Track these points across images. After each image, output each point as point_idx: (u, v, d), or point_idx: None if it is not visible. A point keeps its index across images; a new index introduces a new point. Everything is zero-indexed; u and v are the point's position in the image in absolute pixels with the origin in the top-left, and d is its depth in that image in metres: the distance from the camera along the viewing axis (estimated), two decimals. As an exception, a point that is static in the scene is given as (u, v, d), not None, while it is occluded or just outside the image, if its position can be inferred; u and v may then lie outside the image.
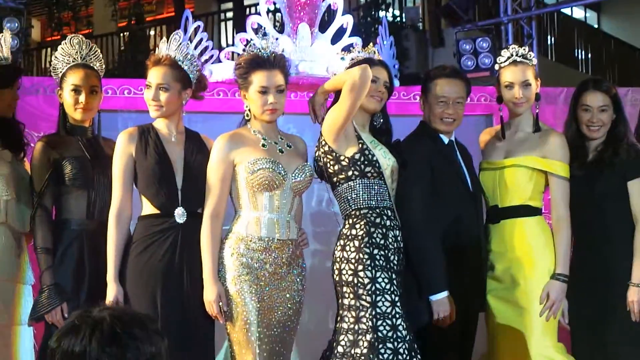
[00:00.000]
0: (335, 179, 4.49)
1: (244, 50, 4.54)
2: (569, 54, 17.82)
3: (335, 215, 4.63)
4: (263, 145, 4.44)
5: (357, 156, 4.43)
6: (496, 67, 4.95)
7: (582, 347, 4.73)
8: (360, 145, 4.46)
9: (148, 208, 4.42)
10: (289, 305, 4.38)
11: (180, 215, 4.38)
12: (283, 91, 4.44)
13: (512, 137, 4.89)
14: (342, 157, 4.44)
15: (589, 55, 18.18)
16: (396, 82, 5.37)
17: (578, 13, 19.72)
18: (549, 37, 17.27)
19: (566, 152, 4.73)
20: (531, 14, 11.18)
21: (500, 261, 4.75)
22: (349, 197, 4.45)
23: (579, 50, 18.22)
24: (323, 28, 6.40)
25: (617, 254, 4.69)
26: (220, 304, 4.26)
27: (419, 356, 4.29)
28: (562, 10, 17.35)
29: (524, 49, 4.86)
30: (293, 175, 4.43)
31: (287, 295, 4.38)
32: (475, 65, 9.49)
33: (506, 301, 4.70)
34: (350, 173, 4.43)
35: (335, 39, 6.33)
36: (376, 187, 4.44)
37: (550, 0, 17.38)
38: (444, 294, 4.51)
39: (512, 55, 4.82)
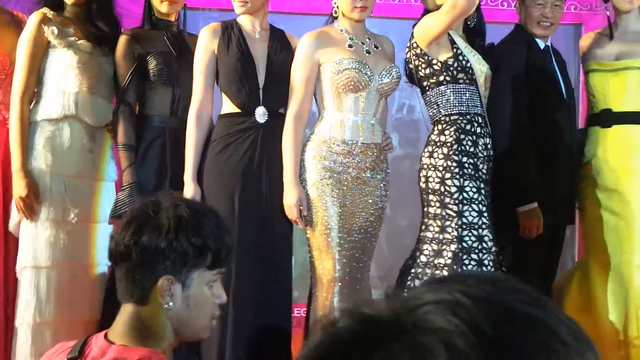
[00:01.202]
0: (425, 83, 4.34)
1: None
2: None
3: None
4: (350, 46, 4.30)
5: (450, 61, 4.29)
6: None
7: None
8: (454, 50, 4.31)
9: (228, 106, 4.32)
10: (371, 211, 4.28)
11: (261, 114, 4.27)
12: None
13: (622, 38, 4.62)
14: (434, 61, 4.29)
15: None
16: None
17: None
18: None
19: None
20: None
21: (604, 169, 4.52)
22: (439, 102, 4.31)
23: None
24: None
25: None
26: (301, 208, 4.18)
27: (504, 269, 4.17)
28: None
29: None
30: (380, 76, 4.29)
31: (370, 201, 4.28)
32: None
33: (608, 210, 4.49)
34: (442, 78, 4.29)
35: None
36: (468, 93, 4.29)
37: None
38: (534, 204, 4.36)
39: None
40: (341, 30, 4.34)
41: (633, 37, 4.59)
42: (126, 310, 2.21)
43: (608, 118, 4.56)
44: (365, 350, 0.71)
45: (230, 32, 4.34)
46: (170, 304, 2.18)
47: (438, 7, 4.22)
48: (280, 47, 4.39)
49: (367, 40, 4.39)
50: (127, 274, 2.19)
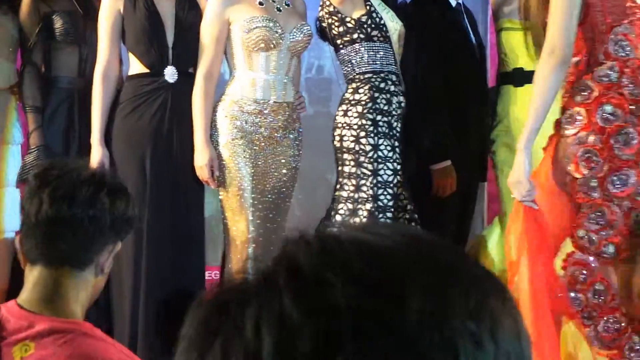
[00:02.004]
0: (339, 41, 4.30)
1: None
2: None
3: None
4: (260, 3, 4.25)
5: (364, 19, 4.25)
6: None
7: None
8: (368, 7, 4.27)
9: (137, 67, 4.24)
10: (284, 171, 4.25)
11: (170, 74, 4.20)
12: None
13: None
14: (347, 19, 4.25)
15: None
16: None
17: None
18: None
19: None
20: None
21: (518, 127, 4.49)
22: (353, 61, 4.27)
23: None
24: None
25: None
26: (212, 168, 4.13)
27: (419, 227, 4.18)
28: None
29: None
30: (291, 34, 4.25)
31: (283, 161, 4.25)
32: None
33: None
34: (355, 36, 4.25)
35: None
36: (382, 51, 4.26)
37: None
38: (447, 162, 4.37)
39: None
40: (252, -12, 4.28)
41: None
42: (43, 276, 2.11)
43: (520, 77, 4.55)
44: (240, 305, 0.70)
45: None
46: (105, 270, 2.12)
47: None
48: (189, 5, 4.31)
49: (279, -3, 4.33)
50: (57, 237, 2.09)
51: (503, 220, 4.43)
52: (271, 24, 4.18)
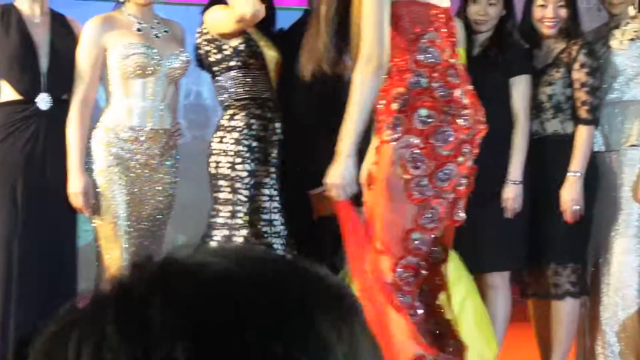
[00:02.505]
0: (216, 68, 4.33)
1: None
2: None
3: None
4: (138, 30, 4.24)
5: (241, 47, 4.28)
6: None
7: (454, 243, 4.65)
8: (245, 36, 4.30)
9: (9, 94, 4.18)
10: (160, 199, 4.25)
11: (43, 101, 4.15)
12: None
13: None
14: (225, 46, 4.28)
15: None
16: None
17: None
18: None
19: (462, 39, 4.58)
20: None
21: None
22: (229, 88, 4.30)
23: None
24: None
25: (496, 151, 4.62)
26: (87, 196, 4.11)
27: (295, 251, 4.22)
28: None
29: None
30: (168, 61, 4.25)
31: (159, 188, 4.25)
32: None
33: None
34: (232, 63, 4.28)
35: None
36: (259, 78, 4.30)
37: None
38: (323, 187, 4.42)
39: None
40: (128, 15, 4.27)
41: None
42: None
43: None
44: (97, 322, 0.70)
45: (9, 17, 4.19)
46: None
47: None
48: (65, 31, 4.28)
49: (156, 24, 4.33)
50: None
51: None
52: (148, 51, 4.18)
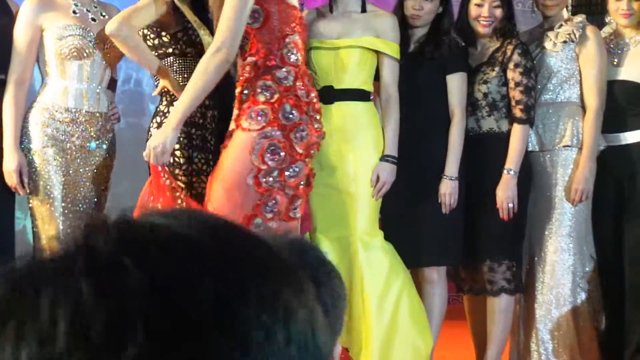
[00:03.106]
0: (154, 53, 4.26)
1: None
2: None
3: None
4: (74, 12, 4.18)
5: (179, 35, 4.24)
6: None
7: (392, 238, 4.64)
8: (184, 24, 4.25)
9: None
10: (96, 181, 4.18)
11: None
12: None
13: (341, 18, 4.69)
14: (163, 33, 4.23)
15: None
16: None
17: None
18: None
19: (397, 34, 4.59)
20: None
21: (329, 144, 4.54)
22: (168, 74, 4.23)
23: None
24: None
25: (432, 148, 4.64)
26: (22, 175, 4.04)
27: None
28: None
29: None
30: (105, 44, 4.16)
31: (95, 171, 4.18)
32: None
33: (332, 188, 4.51)
34: (170, 50, 4.23)
35: None
36: (195, 67, 4.23)
37: None
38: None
39: None
40: (66, -3, 4.21)
41: (353, 17, 4.66)
42: None
43: (330, 95, 4.58)
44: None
45: None
46: None
47: None
48: (1, 10, 4.21)
49: (94, 8, 4.29)
50: None
51: (313, 236, 4.48)
52: (84, 33, 4.13)
